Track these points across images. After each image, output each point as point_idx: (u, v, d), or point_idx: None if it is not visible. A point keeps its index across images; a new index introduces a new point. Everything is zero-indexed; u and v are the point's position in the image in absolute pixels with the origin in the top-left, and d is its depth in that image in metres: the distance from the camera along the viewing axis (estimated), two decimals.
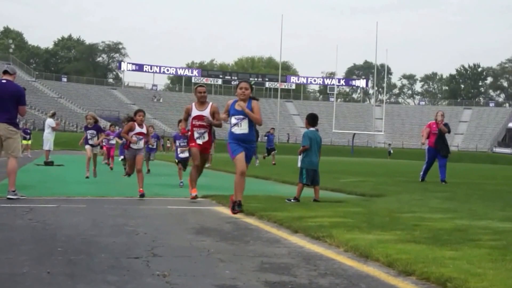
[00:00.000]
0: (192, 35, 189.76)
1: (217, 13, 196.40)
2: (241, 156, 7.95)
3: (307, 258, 4.97)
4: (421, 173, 15.52)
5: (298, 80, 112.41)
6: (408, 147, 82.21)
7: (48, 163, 19.96)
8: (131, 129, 10.49)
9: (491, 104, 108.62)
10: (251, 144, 8.18)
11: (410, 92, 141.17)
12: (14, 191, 8.91)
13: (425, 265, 4.37)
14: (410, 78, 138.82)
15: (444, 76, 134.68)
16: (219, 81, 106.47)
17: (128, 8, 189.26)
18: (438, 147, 15.02)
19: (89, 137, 14.74)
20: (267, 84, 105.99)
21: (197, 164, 9.57)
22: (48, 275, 4.03)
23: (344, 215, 7.51)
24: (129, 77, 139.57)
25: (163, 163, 24.17)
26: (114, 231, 6.17)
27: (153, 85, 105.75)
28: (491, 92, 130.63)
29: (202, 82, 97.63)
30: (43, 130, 24.92)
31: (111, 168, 18.39)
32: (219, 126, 9.66)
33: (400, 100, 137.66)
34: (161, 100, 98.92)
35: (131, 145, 10.52)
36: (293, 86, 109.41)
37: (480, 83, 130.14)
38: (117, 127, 22.20)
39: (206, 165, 10.30)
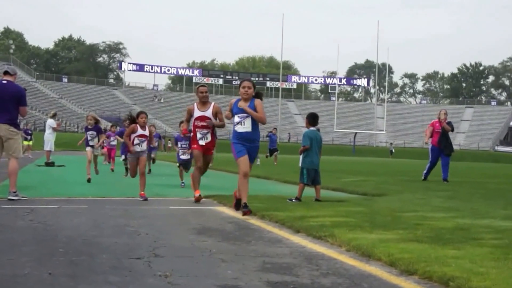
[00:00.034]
0: (192, 34, 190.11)
1: (218, 13, 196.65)
2: (244, 158, 7.87)
3: (309, 257, 4.96)
4: (425, 171, 15.48)
5: (299, 79, 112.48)
6: (409, 146, 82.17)
7: (49, 164, 19.96)
8: (133, 131, 10.27)
9: (493, 103, 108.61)
10: (255, 143, 8.09)
11: (411, 91, 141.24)
12: (15, 192, 8.91)
13: (427, 264, 4.35)
14: (412, 77, 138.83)
15: (446, 75, 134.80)
16: (220, 81, 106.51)
17: (128, 8, 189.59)
18: (442, 145, 14.99)
19: (89, 138, 14.40)
20: (268, 84, 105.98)
21: (199, 166, 9.38)
22: (49, 276, 4.02)
23: (346, 215, 7.49)
24: (130, 77, 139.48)
25: (164, 164, 24.18)
26: (115, 231, 6.16)
27: (154, 85, 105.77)
28: (493, 90, 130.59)
29: (203, 82, 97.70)
30: (43, 130, 24.95)
31: (112, 170, 18.37)
32: (222, 126, 9.49)
33: (401, 99, 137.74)
34: (162, 100, 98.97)
35: (134, 148, 10.24)
36: (294, 86, 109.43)
37: (481, 82, 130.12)
38: (118, 127, 22.16)
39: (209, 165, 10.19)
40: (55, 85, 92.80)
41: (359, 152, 65.29)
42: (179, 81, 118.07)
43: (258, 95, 8.20)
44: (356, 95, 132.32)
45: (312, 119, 9.70)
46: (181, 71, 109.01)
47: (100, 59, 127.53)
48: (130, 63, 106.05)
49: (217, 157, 22.93)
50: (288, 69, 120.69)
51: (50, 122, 20.98)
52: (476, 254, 4.82)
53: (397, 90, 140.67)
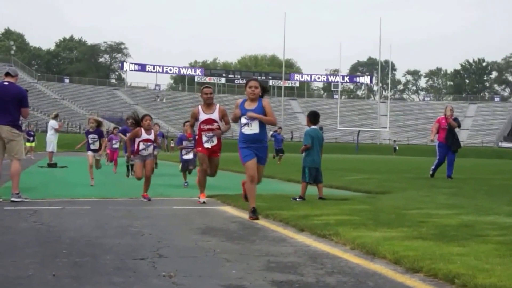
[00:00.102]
0: (194, 34, 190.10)
1: (220, 12, 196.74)
2: (252, 163, 7.64)
3: (314, 256, 4.94)
4: (433, 167, 15.41)
5: (302, 77, 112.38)
6: (413, 143, 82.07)
7: (52, 165, 19.97)
8: (137, 135, 10.03)
9: (496, 99, 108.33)
10: (263, 143, 7.81)
11: (414, 88, 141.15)
12: (17, 194, 8.90)
13: (432, 262, 4.34)
14: (415, 73, 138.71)
15: (449, 71, 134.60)
16: (223, 80, 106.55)
17: (129, 8, 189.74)
18: (449, 142, 14.95)
19: (90, 141, 13.60)
20: (271, 82, 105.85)
21: (205, 168, 9.18)
22: (53, 277, 4.01)
23: (350, 213, 7.47)
24: (132, 77, 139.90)
25: (166, 164, 24.18)
26: (119, 232, 6.15)
27: (156, 85, 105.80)
28: (496, 86, 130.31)
29: (205, 81, 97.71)
30: (45, 132, 24.93)
31: (115, 172, 18.32)
32: (228, 129, 9.39)
33: (404, 96, 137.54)
34: (164, 100, 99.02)
35: (140, 151, 10.03)
36: (297, 84, 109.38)
37: (485, 78, 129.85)
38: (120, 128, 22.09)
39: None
40: (56, 86, 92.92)
41: (363, 150, 65.18)
42: (181, 81, 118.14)
43: (265, 90, 7.95)
44: (359, 92, 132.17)
45: (313, 117, 9.66)
46: (183, 71, 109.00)
47: (101, 59, 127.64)
48: (132, 63, 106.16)
49: (222, 157, 22.71)
50: (291, 68, 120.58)
51: (52, 123, 20.98)
52: (481, 251, 4.81)
53: (400, 87, 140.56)
